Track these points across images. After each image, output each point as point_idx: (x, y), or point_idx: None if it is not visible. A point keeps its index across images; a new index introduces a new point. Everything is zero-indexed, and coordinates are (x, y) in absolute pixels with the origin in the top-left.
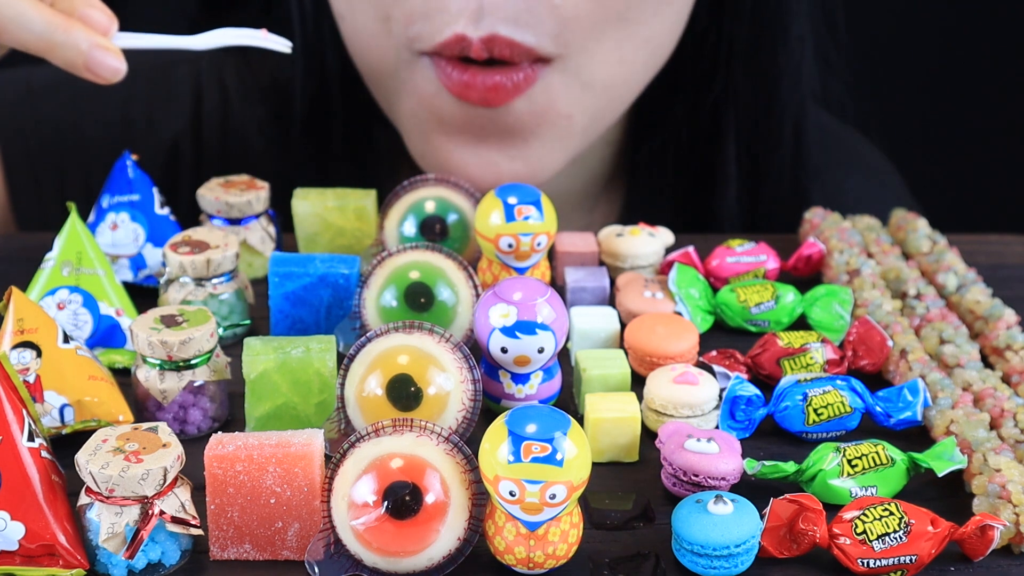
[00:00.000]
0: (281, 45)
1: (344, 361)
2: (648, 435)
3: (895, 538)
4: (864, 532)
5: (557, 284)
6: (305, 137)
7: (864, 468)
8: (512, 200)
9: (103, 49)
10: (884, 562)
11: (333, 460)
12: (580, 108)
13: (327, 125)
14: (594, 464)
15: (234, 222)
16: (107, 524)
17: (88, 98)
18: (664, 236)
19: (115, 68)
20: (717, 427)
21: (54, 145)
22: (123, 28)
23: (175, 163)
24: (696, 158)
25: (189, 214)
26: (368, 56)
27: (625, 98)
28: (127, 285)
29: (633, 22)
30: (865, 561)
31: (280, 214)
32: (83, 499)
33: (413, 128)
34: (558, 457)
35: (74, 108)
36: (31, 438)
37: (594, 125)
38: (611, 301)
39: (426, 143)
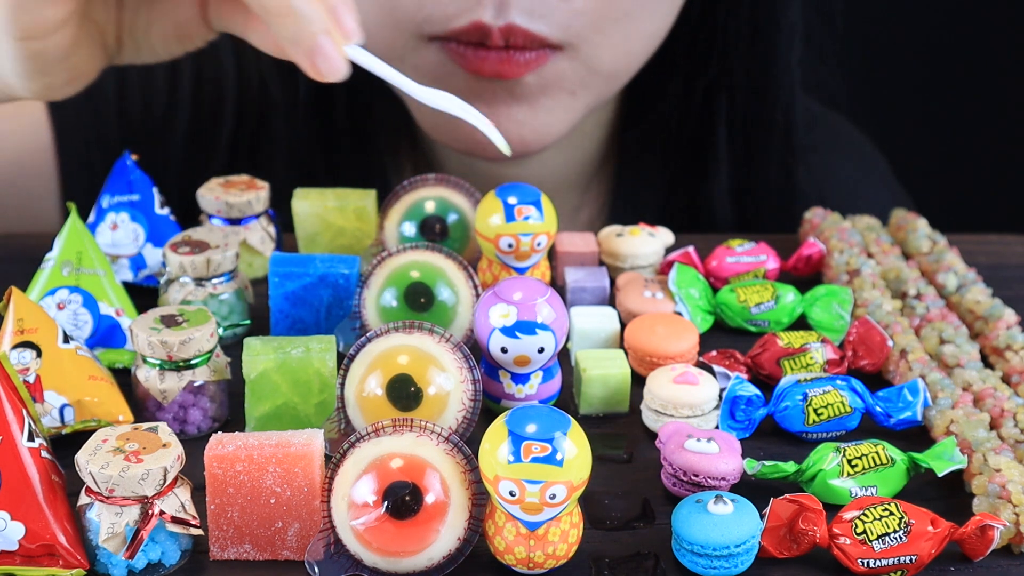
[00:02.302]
0: (501, 144)
1: (344, 361)
2: (648, 434)
3: (895, 538)
4: (864, 532)
5: (557, 284)
6: (309, 112)
7: (864, 468)
8: (512, 200)
9: (333, 42)
10: (884, 562)
11: (333, 460)
12: (584, 89)
13: (330, 100)
14: (594, 463)
15: (234, 222)
16: (107, 524)
17: (137, 71)
18: (664, 236)
19: (338, 66)
20: (717, 427)
21: (101, 97)
22: None
23: (220, 112)
24: (687, 141)
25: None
26: (372, 41)
27: (624, 80)
28: (127, 285)
29: (639, 16)
30: (865, 561)
31: (280, 214)
32: (83, 499)
33: (423, 105)
34: (558, 457)
35: (120, 80)
36: (31, 438)
37: (594, 103)
38: (611, 301)
39: (436, 114)
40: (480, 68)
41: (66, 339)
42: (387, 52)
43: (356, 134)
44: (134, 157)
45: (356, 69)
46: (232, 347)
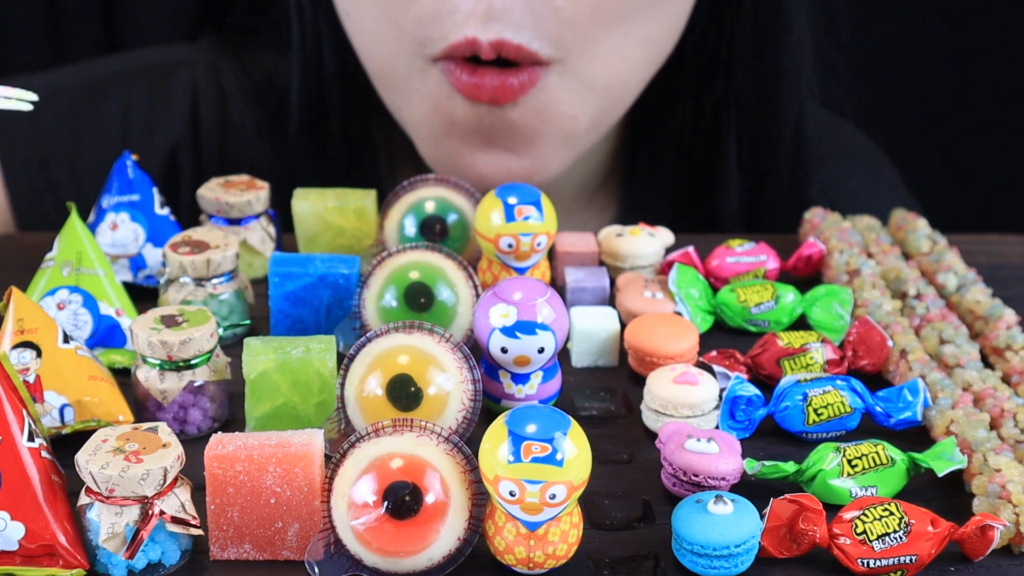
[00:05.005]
0: (24, 105)
1: (344, 361)
2: (648, 434)
3: (895, 538)
4: (864, 532)
5: (557, 284)
6: (302, 135)
7: (864, 468)
8: (512, 200)
9: None
10: (884, 562)
11: (333, 460)
12: (582, 108)
13: (324, 123)
14: (594, 463)
15: (234, 222)
16: (107, 524)
17: (87, 104)
18: (664, 236)
19: None
20: (717, 427)
21: (53, 151)
22: (126, 31)
23: (174, 167)
24: (696, 159)
25: (190, 219)
26: (378, 59)
27: (626, 97)
28: (127, 285)
29: (631, 23)
30: (865, 561)
31: (280, 214)
32: (83, 499)
33: (424, 132)
34: (558, 457)
35: (73, 113)
36: (31, 438)
37: (597, 125)
38: (611, 301)
39: (437, 146)
40: (476, 93)
41: (66, 339)
42: (393, 70)
43: (352, 157)
44: (134, 157)
45: (360, 89)
46: (232, 347)
